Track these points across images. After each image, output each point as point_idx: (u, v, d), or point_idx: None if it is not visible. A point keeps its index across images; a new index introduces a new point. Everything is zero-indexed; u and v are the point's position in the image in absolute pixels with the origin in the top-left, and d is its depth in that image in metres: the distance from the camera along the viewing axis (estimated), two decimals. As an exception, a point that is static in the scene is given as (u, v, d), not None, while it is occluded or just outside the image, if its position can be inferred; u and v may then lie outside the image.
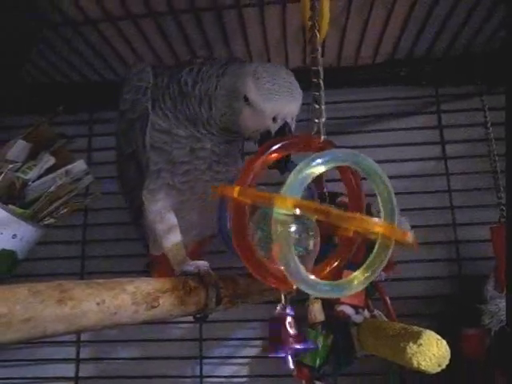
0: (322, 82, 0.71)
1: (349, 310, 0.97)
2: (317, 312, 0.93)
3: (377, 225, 0.51)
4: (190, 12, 1.09)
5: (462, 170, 1.33)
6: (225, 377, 1.33)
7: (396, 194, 0.54)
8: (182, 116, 0.90)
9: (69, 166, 1.04)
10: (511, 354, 0.73)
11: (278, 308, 0.65)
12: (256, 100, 0.81)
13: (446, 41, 1.26)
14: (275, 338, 0.63)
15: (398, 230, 0.52)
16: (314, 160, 0.53)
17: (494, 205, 1.22)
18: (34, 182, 1.00)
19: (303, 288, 0.53)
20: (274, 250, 0.53)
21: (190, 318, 0.83)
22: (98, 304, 0.54)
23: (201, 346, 1.33)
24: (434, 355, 0.64)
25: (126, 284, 0.60)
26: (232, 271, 0.93)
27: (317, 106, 0.70)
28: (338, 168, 0.67)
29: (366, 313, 0.99)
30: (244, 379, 1.33)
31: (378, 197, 0.55)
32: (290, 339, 0.62)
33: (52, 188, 0.99)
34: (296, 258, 0.52)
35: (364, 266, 0.55)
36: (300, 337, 0.63)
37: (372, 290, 1.03)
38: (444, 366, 0.65)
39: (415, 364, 0.65)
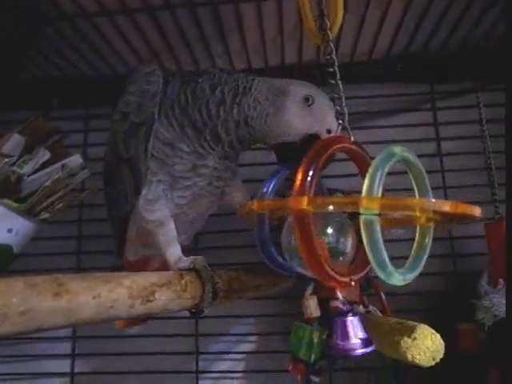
0: (340, 82, 0.77)
1: (344, 306, 0.97)
2: (312, 308, 0.93)
3: (444, 204, 0.55)
4: (186, 6, 1.09)
5: (456, 166, 1.34)
6: (221, 372, 1.34)
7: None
8: (190, 125, 0.88)
9: (65, 161, 1.04)
10: (508, 348, 0.74)
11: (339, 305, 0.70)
12: (323, 104, 0.86)
13: (441, 38, 1.27)
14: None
15: (463, 204, 0.55)
16: (385, 159, 0.57)
17: (489, 201, 1.23)
18: (29, 176, 1.00)
19: (394, 283, 0.56)
20: (366, 252, 0.55)
21: (187, 313, 0.84)
22: (94, 298, 0.54)
23: (197, 341, 1.34)
24: (428, 349, 0.64)
25: (122, 278, 0.61)
26: (228, 267, 0.94)
27: (338, 108, 0.73)
28: (352, 155, 0.70)
29: (361, 308, 0.99)
30: (240, 374, 1.33)
31: (412, 178, 0.62)
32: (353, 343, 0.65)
33: (48, 182, 0.99)
34: (387, 257, 0.54)
35: (410, 258, 0.60)
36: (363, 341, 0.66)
37: (366, 286, 1.03)
38: (438, 360, 0.66)
39: (410, 358, 0.65)
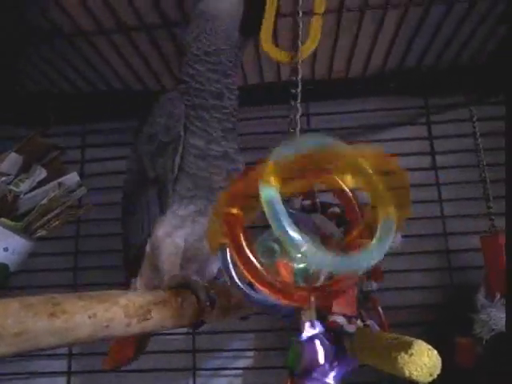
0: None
1: (341, 320, 0.97)
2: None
3: (365, 150, 0.53)
4: (182, 24, 1.10)
5: (451, 180, 1.34)
6: (218, 388, 1.33)
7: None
8: (217, 101, 0.92)
9: (61, 179, 1.04)
10: (507, 363, 0.74)
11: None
12: None
13: (434, 53, 1.28)
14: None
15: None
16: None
17: (484, 214, 1.23)
18: (26, 194, 1.00)
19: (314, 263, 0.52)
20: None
21: (183, 330, 0.83)
22: (90, 317, 0.54)
23: (194, 357, 1.33)
24: (425, 365, 0.64)
25: (118, 296, 0.60)
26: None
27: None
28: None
29: (359, 322, 0.99)
30: (237, 390, 1.32)
31: None
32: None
33: (44, 200, 0.99)
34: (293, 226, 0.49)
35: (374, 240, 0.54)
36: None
37: (364, 301, 1.03)
38: (435, 376, 0.66)
39: (407, 374, 0.65)
